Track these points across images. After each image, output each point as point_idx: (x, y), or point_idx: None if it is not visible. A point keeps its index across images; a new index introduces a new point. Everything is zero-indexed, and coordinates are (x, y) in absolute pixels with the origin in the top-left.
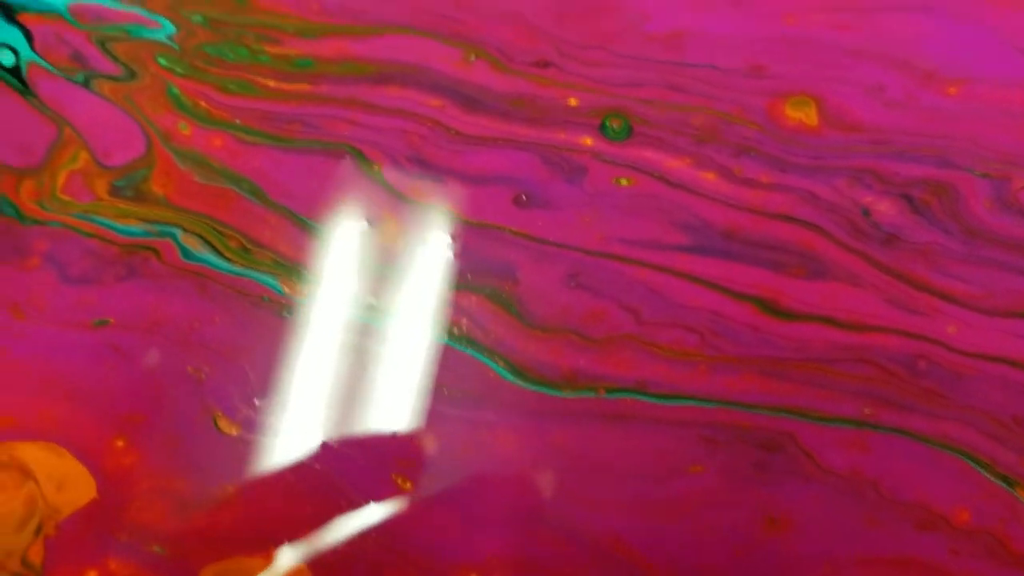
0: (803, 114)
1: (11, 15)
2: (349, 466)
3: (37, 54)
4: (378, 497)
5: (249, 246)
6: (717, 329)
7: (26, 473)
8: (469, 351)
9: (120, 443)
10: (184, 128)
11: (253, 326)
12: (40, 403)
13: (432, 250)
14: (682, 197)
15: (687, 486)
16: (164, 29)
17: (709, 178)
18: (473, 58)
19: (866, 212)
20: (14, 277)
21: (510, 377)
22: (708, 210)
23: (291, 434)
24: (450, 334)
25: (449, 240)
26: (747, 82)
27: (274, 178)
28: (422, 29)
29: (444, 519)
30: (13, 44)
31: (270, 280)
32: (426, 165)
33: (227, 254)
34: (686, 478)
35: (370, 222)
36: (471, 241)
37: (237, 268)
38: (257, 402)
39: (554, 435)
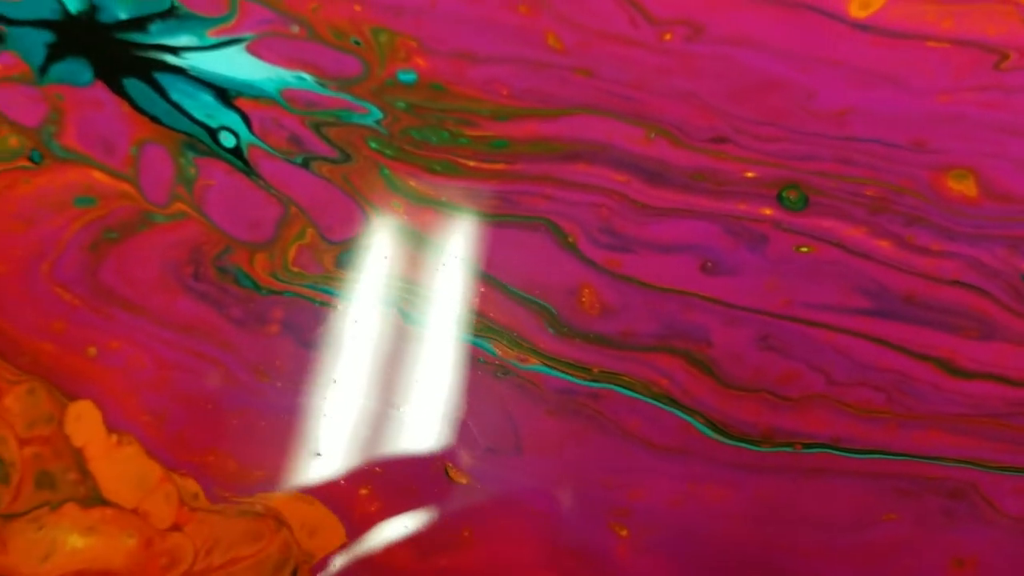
0: (963, 186)
1: (228, 100)
2: (569, 513)
3: (256, 137)
4: (595, 543)
5: (464, 314)
6: (902, 388)
7: (280, 521)
8: (671, 409)
9: (364, 492)
10: (397, 205)
11: (472, 385)
12: (289, 457)
13: (627, 314)
14: (860, 264)
15: (882, 533)
16: (372, 115)
17: (884, 246)
18: (653, 135)
19: None
20: (257, 343)
21: (711, 433)
22: (886, 276)
23: (514, 484)
24: (652, 393)
25: (643, 305)
26: (911, 156)
27: (482, 251)
28: (604, 109)
29: (655, 566)
30: (233, 127)
31: (484, 343)
32: (617, 236)
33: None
34: (881, 526)
35: (569, 290)
36: (664, 306)
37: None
38: (483, 454)
39: (755, 488)
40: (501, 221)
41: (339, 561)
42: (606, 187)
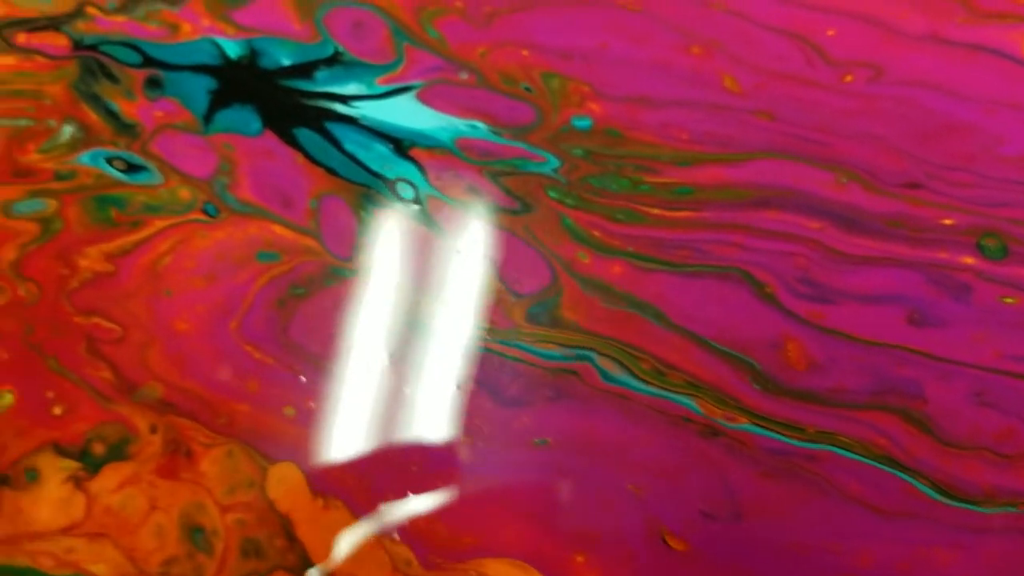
0: None
1: (403, 150)
2: None
3: (434, 188)
4: None
5: (662, 368)
6: None
7: None
8: (893, 470)
9: (580, 559)
10: (583, 257)
11: (678, 445)
12: (499, 521)
13: (836, 369)
14: None
15: None
16: (549, 163)
17: None
18: (844, 180)
19: None
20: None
21: (934, 495)
22: None
23: (735, 550)
24: (872, 454)
25: (851, 359)
26: None
27: (674, 302)
28: (790, 153)
29: None
30: (410, 179)
31: (687, 401)
32: (816, 286)
33: (642, 376)
34: None
35: (771, 344)
36: (874, 360)
37: (654, 389)
38: (699, 518)
39: (985, 551)
40: (692, 271)
41: None
42: (800, 235)
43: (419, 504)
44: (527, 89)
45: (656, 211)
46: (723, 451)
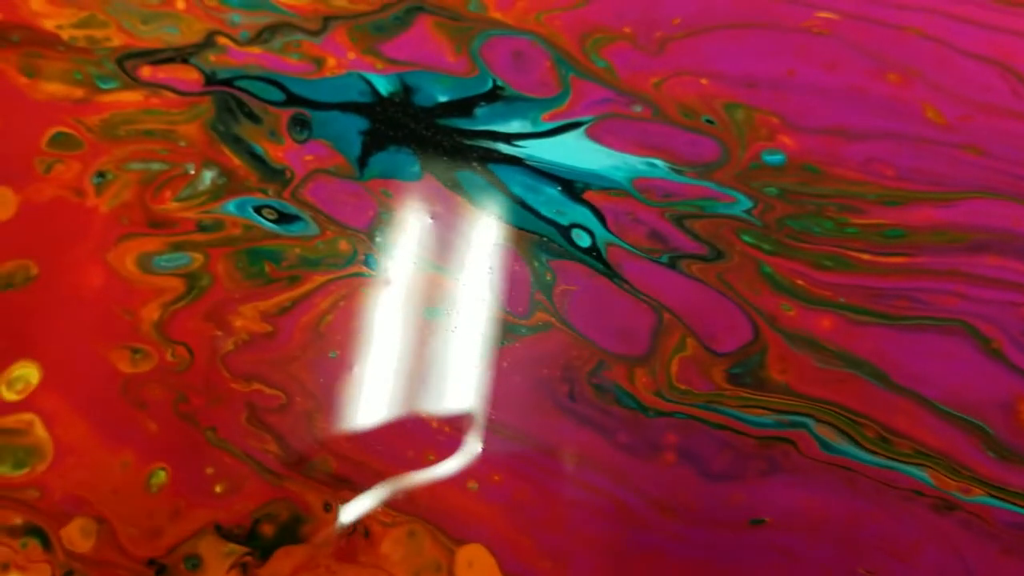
0: None
1: (576, 193)
2: None
3: (613, 234)
4: None
5: (887, 435)
6: None
7: None
8: None
9: None
10: (788, 309)
11: (910, 522)
12: None
13: None
14: None
15: None
16: (739, 203)
17: None
18: None
19: None
20: (653, 473)
21: None
22: None
23: None
24: None
25: None
26: None
27: (894, 359)
28: (1005, 192)
29: None
30: (586, 224)
31: (917, 472)
32: None
33: (866, 444)
34: None
35: (1002, 405)
36: None
37: (880, 459)
38: None
39: None
40: (912, 324)
41: None
42: (1021, 283)
43: None
44: (709, 121)
45: (866, 256)
46: (959, 526)
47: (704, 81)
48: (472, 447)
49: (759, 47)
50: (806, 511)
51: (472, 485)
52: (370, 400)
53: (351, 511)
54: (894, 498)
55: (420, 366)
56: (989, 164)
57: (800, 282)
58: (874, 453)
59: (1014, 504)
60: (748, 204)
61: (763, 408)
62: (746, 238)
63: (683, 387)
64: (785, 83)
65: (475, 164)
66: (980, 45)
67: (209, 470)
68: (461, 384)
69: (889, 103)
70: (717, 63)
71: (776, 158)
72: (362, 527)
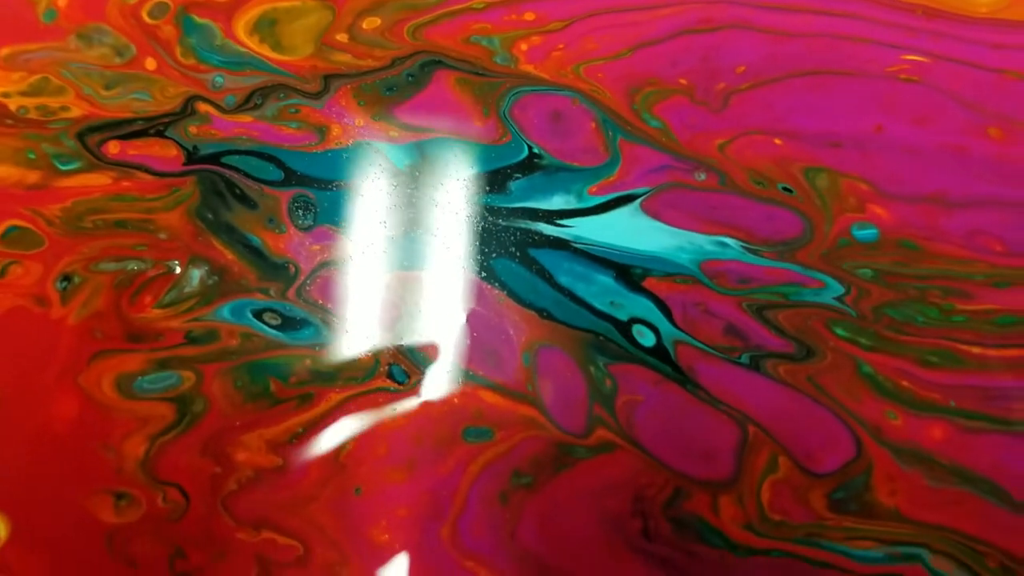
0: None
1: (634, 281)
2: None
3: (681, 330)
4: None
5: (1011, 564)
6: None
7: None
8: None
9: None
10: (894, 417)
11: None
12: None
13: None
14: None
15: None
16: (829, 289)
17: None
18: None
19: None
20: None
21: None
22: None
23: None
24: None
25: None
26: None
27: (1016, 472)
28: None
29: None
30: (648, 319)
31: None
32: None
33: None
34: None
35: None
36: None
37: None
38: None
39: None
40: None
41: None
42: None
43: None
44: (787, 190)
45: (976, 350)
46: None
47: (778, 141)
48: None
49: (840, 98)
50: None
51: None
52: (402, 546)
53: None
54: None
55: (459, 501)
56: None
57: (906, 383)
58: None
59: None
60: (840, 290)
61: (871, 539)
62: (839, 331)
63: (777, 518)
64: (872, 141)
65: (513, 249)
66: None
67: None
68: (509, 522)
69: (993, 162)
70: (792, 119)
71: (868, 232)
72: None
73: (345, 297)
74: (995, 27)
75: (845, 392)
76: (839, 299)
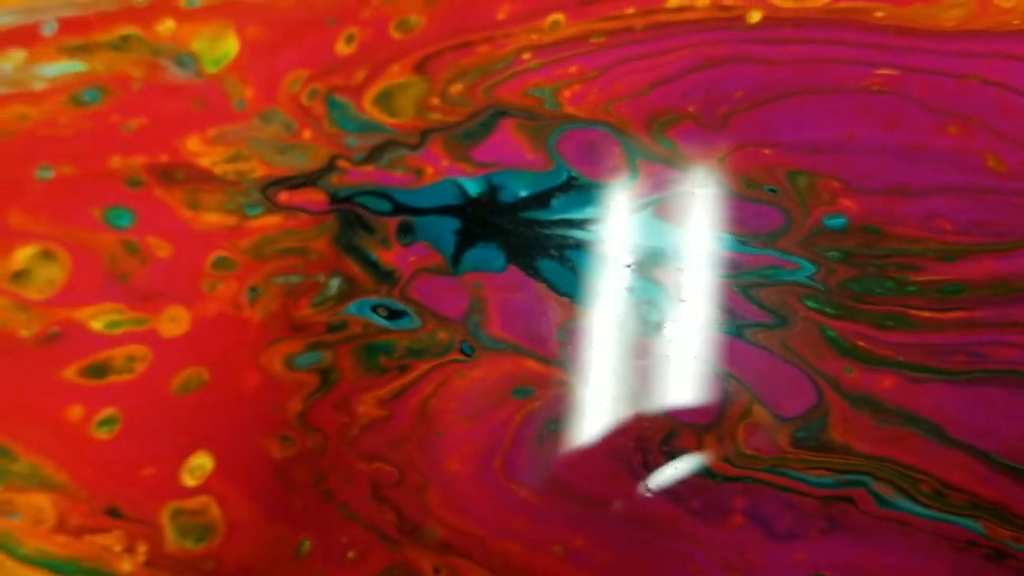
0: None
1: (646, 271)
2: None
3: (680, 307)
4: None
5: (943, 489)
6: None
7: None
8: None
9: None
10: (849, 371)
11: (965, 572)
12: None
13: None
14: None
15: None
16: (803, 270)
17: None
18: None
19: None
20: (722, 537)
21: None
22: None
23: None
24: None
25: None
26: None
27: (952, 415)
28: None
29: None
30: (655, 300)
31: (971, 523)
32: None
33: (921, 499)
34: None
35: None
36: None
37: (936, 513)
38: None
39: None
40: (970, 379)
41: None
42: None
43: None
44: (772, 191)
45: (926, 314)
46: (1012, 574)
47: (766, 151)
48: (557, 514)
49: (819, 112)
50: (864, 565)
51: (557, 549)
52: (467, 473)
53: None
54: (948, 549)
55: (507, 442)
56: None
57: (862, 343)
58: (929, 507)
59: None
60: (811, 269)
61: (826, 469)
62: (809, 303)
63: (750, 453)
64: (846, 146)
65: (553, 252)
66: None
67: (343, 539)
68: (544, 457)
69: (949, 156)
70: (778, 132)
71: (838, 221)
72: None
73: (432, 294)
74: (960, 38)
75: (811, 352)
76: (811, 277)
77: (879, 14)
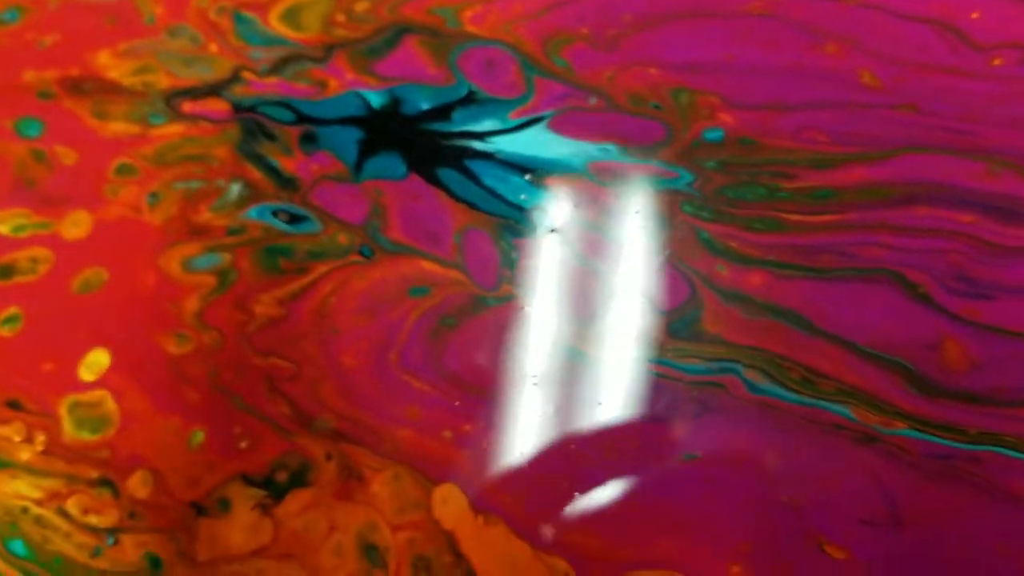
0: None
1: (539, 180)
2: None
3: (570, 213)
4: None
5: (811, 376)
6: None
7: None
8: None
9: (736, 569)
10: (722, 270)
11: (833, 453)
12: (654, 534)
13: (997, 368)
14: None
15: None
16: (682, 179)
17: None
18: (997, 169)
19: None
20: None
21: None
22: None
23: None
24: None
25: (1013, 357)
26: None
27: (820, 309)
28: (936, 146)
29: None
30: (546, 206)
31: (839, 408)
32: (973, 282)
33: (791, 385)
34: None
35: (927, 346)
36: None
37: (804, 398)
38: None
39: None
40: (838, 276)
41: None
42: (951, 230)
43: (573, 518)
44: (656, 107)
45: (796, 217)
46: (881, 457)
47: (652, 70)
48: (447, 403)
49: (703, 35)
50: (734, 446)
51: (447, 434)
52: (362, 367)
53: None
54: (817, 432)
55: (403, 337)
56: (922, 120)
57: (733, 244)
58: (798, 392)
59: (934, 435)
60: (690, 178)
61: (697, 357)
62: (687, 208)
63: (629, 343)
64: (726, 66)
65: (452, 161)
66: (917, 7)
67: (237, 430)
68: (437, 350)
69: (826, 74)
70: (664, 53)
71: (715, 135)
72: (356, 472)
73: (334, 201)
74: None
75: (686, 252)
76: (689, 185)
77: None
